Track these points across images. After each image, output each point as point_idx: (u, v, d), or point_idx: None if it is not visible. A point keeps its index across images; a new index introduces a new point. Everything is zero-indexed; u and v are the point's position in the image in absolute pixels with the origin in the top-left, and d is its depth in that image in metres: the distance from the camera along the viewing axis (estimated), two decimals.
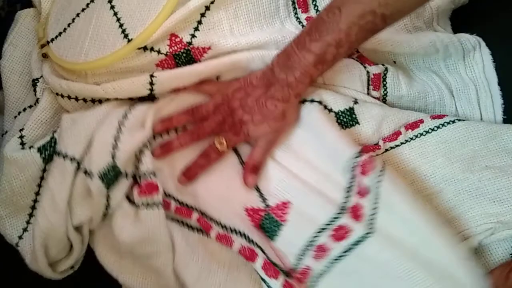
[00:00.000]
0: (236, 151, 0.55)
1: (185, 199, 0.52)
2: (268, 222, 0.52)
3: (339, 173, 0.51)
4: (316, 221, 0.50)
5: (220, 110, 0.51)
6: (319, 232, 0.50)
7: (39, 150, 0.48)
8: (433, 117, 0.53)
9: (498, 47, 0.54)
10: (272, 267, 0.51)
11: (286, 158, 0.54)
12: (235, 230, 0.52)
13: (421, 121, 0.53)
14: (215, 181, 0.53)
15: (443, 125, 0.52)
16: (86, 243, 0.50)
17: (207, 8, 0.49)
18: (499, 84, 0.54)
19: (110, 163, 0.46)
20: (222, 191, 0.53)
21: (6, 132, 0.55)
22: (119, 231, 0.47)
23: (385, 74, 0.55)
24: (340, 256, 0.49)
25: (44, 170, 0.49)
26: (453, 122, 0.52)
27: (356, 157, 0.50)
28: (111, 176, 0.46)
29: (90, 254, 0.51)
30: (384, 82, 0.56)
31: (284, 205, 0.52)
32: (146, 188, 0.47)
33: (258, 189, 0.53)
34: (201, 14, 0.49)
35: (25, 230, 0.50)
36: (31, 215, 0.50)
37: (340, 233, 0.49)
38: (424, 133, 0.52)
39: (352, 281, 0.49)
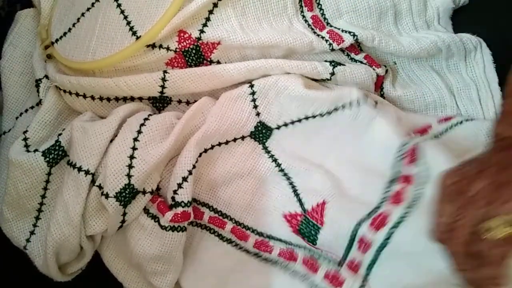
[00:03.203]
0: (272, 156, 0.53)
1: (220, 207, 0.52)
2: (305, 227, 0.51)
3: (382, 164, 0.50)
4: (355, 216, 0.48)
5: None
6: (358, 225, 0.48)
7: (43, 153, 0.48)
8: (440, 121, 0.52)
9: (499, 48, 0.55)
10: (312, 261, 0.51)
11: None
12: (273, 237, 0.52)
13: (429, 127, 0.52)
14: (251, 192, 0.53)
15: (451, 127, 0.51)
16: (96, 247, 0.50)
17: (215, 5, 0.49)
18: (499, 84, 0.54)
19: (127, 184, 0.45)
20: (259, 202, 0.53)
21: (5, 132, 0.54)
22: (134, 243, 0.47)
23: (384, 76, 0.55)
24: (385, 242, 0.47)
25: (49, 174, 0.49)
26: (461, 123, 0.51)
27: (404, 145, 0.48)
28: (128, 196, 0.45)
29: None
30: (382, 83, 0.56)
31: (320, 207, 0.51)
32: (181, 217, 0.46)
33: (296, 193, 0.52)
34: (209, 11, 0.49)
35: (32, 233, 0.49)
36: (37, 218, 0.49)
37: (379, 221, 0.48)
38: (434, 137, 0.51)
39: (404, 260, 0.46)
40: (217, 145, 0.51)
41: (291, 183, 0.53)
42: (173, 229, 0.46)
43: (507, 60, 0.53)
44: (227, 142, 0.52)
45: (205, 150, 0.51)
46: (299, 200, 0.52)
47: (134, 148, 0.46)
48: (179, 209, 0.46)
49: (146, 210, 0.48)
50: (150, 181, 0.47)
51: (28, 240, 0.49)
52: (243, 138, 0.53)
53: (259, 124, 0.53)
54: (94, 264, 0.51)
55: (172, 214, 0.46)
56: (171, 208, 0.47)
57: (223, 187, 0.52)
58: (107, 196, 0.45)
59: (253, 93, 0.52)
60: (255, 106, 0.52)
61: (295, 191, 0.53)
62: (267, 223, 0.52)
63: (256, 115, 0.52)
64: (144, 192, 0.47)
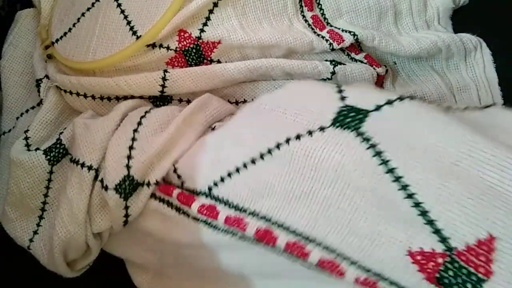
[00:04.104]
0: (389, 169, 0.33)
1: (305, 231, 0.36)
2: (453, 275, 0.31)
3: None
4: None
5: None
6: None
7: (45, 152, 0.47)
8: None
9: (499, 48, 0.55)
10: None
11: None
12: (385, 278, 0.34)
13: None
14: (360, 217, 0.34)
15: None
16: (103, 245, 0.49)
17: (215, 4, 0.49)
18: (499, 84, 0.54)
19: (126, 175, 0.44)
20: (362, 225, 0.34)
21: (4, 132, 0.55)
22: (147, 228, 0.46)
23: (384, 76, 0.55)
24: None
25: (51, 172, 0.48)
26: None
27: None
28: (128, 188, 0.44)
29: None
30: (382, 83, 0.56)
31: (482, 246, 0.30)
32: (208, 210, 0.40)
33: (431, 221, 0.32)
34: (209, 10, 0.49)
35: (35, 232, 0.49)
36: (41, 217, 0.49)
37: None
38: None
39: None
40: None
41: (416, 203, 0.32)
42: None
43: (507, 60, 0.54)
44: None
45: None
46: (438, 233, 0.32)
47: (133, 139, 0.45)
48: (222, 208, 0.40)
49: (168, 203, 0.45)
50: (152, 173, 0.45)
51: (31, 240, 0.48)
52: (322, 129, 0.36)
53: (344, 108, 0.36)
54: (95, 263, 0.51)
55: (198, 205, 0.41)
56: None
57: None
58: (106, 188, 0.44)
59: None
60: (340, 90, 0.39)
61: (425, 214, 0.32)
62: (379, 259, 0.34)
63: (340, 99, 0.37)
64: (146, 184, 0.45)
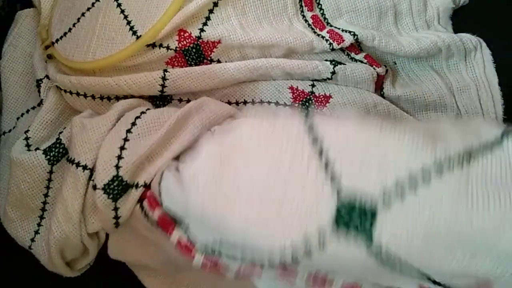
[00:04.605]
0: None
1: None
2: None
3: None
4: None
5: None
6: None
7: (44, 152, 0.47)
8: None
9: (499, 48, 0.55)
10: None
11: None
12: None
13: None
14: None
15: None
16: (101, 244, 0.49)
17: (215, 4, 0.49)
18: (499, 84, 0.54)
19: (115, 176, 0.43)
20: None
21: (4, 132, 0.54)
22: (140, 231, 0.45)
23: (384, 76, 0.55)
24: None
25: (51, 172, 0.48)
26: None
27: None
28: (117, 189, 0.43)
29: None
30: (382, 83, 0.56)
31: None
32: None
33: None
34: (209, 10, 0.49)
35: (36, 232, 0.49)
36: (42, 217, 0.49)
37: None
38: None
39: None
40: None
41: None
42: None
43: (507, 60, 0.54)
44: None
45: None
46: None
47: (126, 140, 0.44)
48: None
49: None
50: (142, 175, 0.44)
51: (32, 240, 0.48)
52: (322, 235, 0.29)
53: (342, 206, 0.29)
54: (95, 263, 0.51)
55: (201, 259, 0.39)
56: None
57: None
58: (95, 187, 0.43)
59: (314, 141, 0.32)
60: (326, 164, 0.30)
61: None
62: None
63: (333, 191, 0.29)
64: (135, 186, 0.44)
